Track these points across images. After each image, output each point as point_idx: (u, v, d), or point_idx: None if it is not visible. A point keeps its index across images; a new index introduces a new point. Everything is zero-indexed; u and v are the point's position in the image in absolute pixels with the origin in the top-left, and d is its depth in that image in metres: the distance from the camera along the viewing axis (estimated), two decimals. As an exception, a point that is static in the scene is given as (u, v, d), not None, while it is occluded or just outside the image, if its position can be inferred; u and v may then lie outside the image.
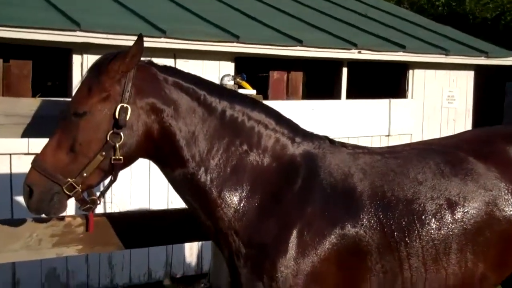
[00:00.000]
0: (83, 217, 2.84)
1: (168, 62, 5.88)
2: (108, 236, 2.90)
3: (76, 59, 5.96)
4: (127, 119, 2.37)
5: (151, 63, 2.53)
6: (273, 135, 2.56)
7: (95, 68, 2.45)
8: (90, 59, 5.68)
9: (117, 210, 5.84)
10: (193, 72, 2.63)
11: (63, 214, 2.53)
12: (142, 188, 6.26)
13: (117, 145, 2.36)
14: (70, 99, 2.52)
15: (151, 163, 2.62)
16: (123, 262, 6.15)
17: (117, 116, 2.36)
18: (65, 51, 6.13)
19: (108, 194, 5.75)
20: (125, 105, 2.37)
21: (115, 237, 2.91)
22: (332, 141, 2.70)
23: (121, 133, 2.36)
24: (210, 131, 2.48)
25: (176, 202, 5.48)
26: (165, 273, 6.41)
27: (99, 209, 3.56)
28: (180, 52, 6.45)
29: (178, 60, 6.46)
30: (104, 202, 5.83)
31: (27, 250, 2.73)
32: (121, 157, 2.39)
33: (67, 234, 2.80)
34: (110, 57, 2.43)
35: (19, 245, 2.71)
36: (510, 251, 2.69)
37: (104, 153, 2.36)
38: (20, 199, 4.00)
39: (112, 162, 2.39)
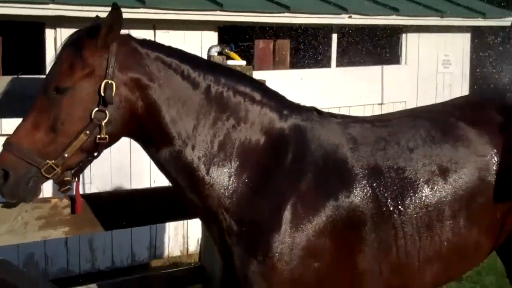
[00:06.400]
0: (70, 198, 2.90)
1: (148, 34, 6.00)
2: (95, 217, 2.95)
3: (49, 33, 5.97)
4: (113, 95, 2.43)
5: (130, 36, 2.58)
6: (260, 109, 2.64)
7: (73, 43, 2.49)
8: (64, 33, 5.66)
9: (96, 191, 5.68)
10: (174, 45, 2.69)
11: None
12: (123, 167, 6.27)
13: (103, 124, 2.42)
14: (46, 76, 2.54)
15: (132, 141, 2.66)
16: (105, 245, 6.19)
17: (102, 93, 2.41)
18: (38, 26, 6.13)
19: (86, 174, 5.84)
20: (110, 81, 2.43)
21: (102, 218, 2.97)
22: (320, 112, 2.79)
23: (106, 111, 2.42)
24: (195, 107, 2.55)
25: (159, 181, 5.58)
26: (149, 254, 6.51)
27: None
28: (160, 23, 6.50)
29: (158, 32, 6.51)
30: (83, 183, 5.87)
31: (11, 235, 2.79)
32: (107, 136, 2.44)
33: (54, 216, 2.90)
34: (88, 31, 2.47)
35: (4, 229, 2.78)
36: (502, 216, 2.81)
37: (88, 132, 2.42)
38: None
39: (97, 141, 2.44)
